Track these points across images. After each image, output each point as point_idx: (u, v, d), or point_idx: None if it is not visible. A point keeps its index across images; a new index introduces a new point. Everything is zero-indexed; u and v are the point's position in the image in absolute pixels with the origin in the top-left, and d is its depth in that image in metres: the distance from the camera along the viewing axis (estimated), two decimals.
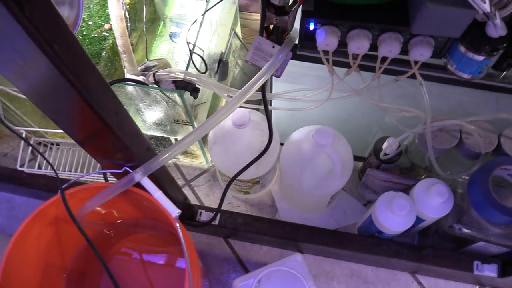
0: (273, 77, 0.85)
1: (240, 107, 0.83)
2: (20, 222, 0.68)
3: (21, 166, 1.03)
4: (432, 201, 0.75)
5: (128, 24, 0.93)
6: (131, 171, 0.60)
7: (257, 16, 1.12)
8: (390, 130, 0.91)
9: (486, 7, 0.54)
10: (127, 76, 0.88)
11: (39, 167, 1.05)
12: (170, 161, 1.06)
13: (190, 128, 0.86)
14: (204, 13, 0.77)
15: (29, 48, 0.37)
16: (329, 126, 0.81)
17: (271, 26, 0.69)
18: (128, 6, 0.93)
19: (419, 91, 0.67)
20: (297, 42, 0.68)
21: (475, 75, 0.64)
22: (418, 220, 0.80)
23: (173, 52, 1.01)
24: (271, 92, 0.86)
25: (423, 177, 0.91)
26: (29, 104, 1.01)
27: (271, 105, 0.88)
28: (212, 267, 0.97)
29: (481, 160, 0.76)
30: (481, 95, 0.71)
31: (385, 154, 0.85)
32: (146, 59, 0.98)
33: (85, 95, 0.44)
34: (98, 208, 0.77)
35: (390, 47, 0.62)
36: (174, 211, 0.60)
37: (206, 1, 0.84)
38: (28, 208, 1.06)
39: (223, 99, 1.02)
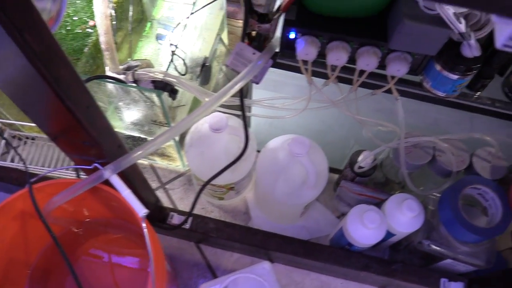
0: (253, 84, 0.86)
1: (220, 112, 0.84)
2: None
3: None
4: (402, 216, 0.76)
5: (114, 22, 0.92)
6: (101, 167, 0.59)
7: None
8: (367, 143, 0.92)
9: (462, 27, 0.56)
10: (108, 74, 0.87)
11: (12, 161, 1.03)
12: (146, 162, 1.05)
13: None
14: (189, 16, 0.77)
15: None
16: (307, 136, 0.81)
17: (253, 33, 0.70)
18: (115, 4, 0.92)
19: (396, 107, 0.68)
20: (278, 50, 0.68)
21: (450, 94, 0.65)
22: (389, 234, 0.80)
23: (158, 53, 1.00)
24: (250, 98, 0.86)
25: (396, 192, 0.92)
26: (6, 96, 0.99)
27: (250, 112, 0.88)
28: (181, 272, 0.95)
29: (452, 178, 0.77)
30: (456, 114, 0.72)
31: (360, 167, 0.85)
32: (129, 59, 0.97)
33: (55, 87, 0.43)
34: (66, 205, 0.75)
35: (368, 61, 0.63)
36: (141, 210, 0.59)
37: (193, 5, 0.85)
38: None
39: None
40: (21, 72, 0.43)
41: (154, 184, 1.03)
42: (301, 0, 0.63)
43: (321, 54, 0.65)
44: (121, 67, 0.85)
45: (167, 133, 0.58)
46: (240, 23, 1.15)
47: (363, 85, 0.69)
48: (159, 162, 1.04)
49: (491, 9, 0.24)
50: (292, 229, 0.98)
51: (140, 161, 1.05)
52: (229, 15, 1.12)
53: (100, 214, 0.83)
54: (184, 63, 0.76)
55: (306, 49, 0.63)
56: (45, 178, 0.69)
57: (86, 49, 0.86)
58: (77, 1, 0.92)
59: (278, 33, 0.68)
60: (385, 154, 0.88)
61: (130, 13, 0.92)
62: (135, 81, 0.72)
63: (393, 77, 0.66)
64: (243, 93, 0.88)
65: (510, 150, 0.73)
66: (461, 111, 0.70)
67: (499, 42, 0.27)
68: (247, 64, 0.68)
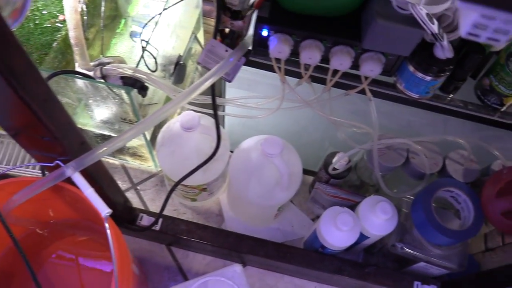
0: (227, 83, 0.84)
1: (192, 111, 0.82)
2: None
3: None
4: (376, 218, 0.75)
5: (85, 17, 0.90)
6: (62, 165, 0.57)
7: None
8: (342, 145, 0.91)
9: (435, 28, 0.55)
10: (78, 70, 0.84)
11: None
12: (117, 162, 1.02)
13: None
14: (161, 12, 0.75)
15: None
16: (282, 137, 0.80)
17: (227, 30, 0.68)
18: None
19: (369, 107, 0.67)
20: (251, 48, 0.67)
21: (423, 95, 0.64)
22: (362, 237, 0.79)
23: (132, 51, 0.98)
24: (224, 97, 0.84)
25: (371, 195, 0.91)
26: None
27: (224, 111, 0.86)
28: (152, 275, 0.93)
29: (425, 181, 0.77)
30: (429, 117, 0.72)
31: (334, 169, 0.84)
32: (101, 56, 0.95)
33: (8, 77, 0.41)
34: (29, 205, 0.72)
35: (341, 60, 0.62)
36: (104, 209, 0.57)
37: (166, 1, 0.82)
38: None
39: None
40: None
41: (125, 185, 1.00)
42: None
43: (295, 53, 0.64)
44: (92, 63, 0.82)
45: (133, 129, 0.56)
46: None
47: (337, 85, 0.69)
48: (131, 162, 1.02)
49: None
50: (266, 232, 0.96)
51: (111, 161, 1.02)
52: (205, 14, 1.10)
53: (66, 215, 0.79)
54: (155, 60, 0.74)
55: (279, 47, 0.62)
56: (6, 176, 0.66)
57: (55, 44, 0.83)
58: None
59: (252, 30, 0.67)
60: (359, 156, 0.87)
61: (102, 9, 0.89)
62: (104, 77, 0.70)
63: (366, 78, 0.65)
64: (216, 91, 0.86)
65: (483, 153, 0.73)
66: (435, 113, 0.70)
67: (464, 30, 0.26)
68: (219, 61, 0.66)
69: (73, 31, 0.80)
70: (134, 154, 0.98)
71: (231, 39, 0.67)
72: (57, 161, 0.57)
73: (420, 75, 0.61)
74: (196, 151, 0.80)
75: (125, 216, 0.82)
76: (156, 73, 0.86)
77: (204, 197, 0.94)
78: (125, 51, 0.99)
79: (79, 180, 0.57)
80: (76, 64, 0.86)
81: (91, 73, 0.72)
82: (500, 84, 0.61)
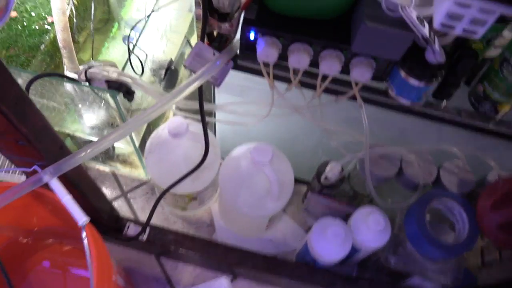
0: (216, 89, 0.83)
1: (181, 117, 0.80)
2: None
3: None
4: (368, 230, 0.73)
5: (75, 20, 0.88)
6: (39, 170, 0.55)
7: None
8: (336, 154, 0.89)
9: (426, 31, 0.53)
10: (67, 73, 0.83)
11: None
12: (107, 169, 1.00)
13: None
14: (150, 14, 0.74)
15: None
16: (274, 145, 0.78)
17: (215, 33, 0.67)
18: (76, 2, 0.89)
19: (360, 114, 0.65)
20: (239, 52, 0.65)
21: (415, 102, 0.62)
22: (354, 249, 0.77)
23: (125, 56, 0.96)
24: (214, 103, 0.82)
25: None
26: None
27: (214, 117, 0.84)
28: (140, 286, 0.90)
29: (419, 192, 0.74)
30: (423, 125, 0.70)
31: (326, 178, 0.82)
32: (91, 59, 0.93)
33: None
34: (10, 211, 0.70)
35: (330, 65, 0.60)
36: (81, 218, 0.54)
37: (155, 3, 0.81)
38: None
39: (170, 109, 0.98)
40: None
41: (115, 193, 0.98)
42: None
43: (283, 57, 0.62)
44: (81, 67, 0.81)
45: (114, 133, 0.54)
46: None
47: (328, 91, 0.67)
48: (121, 169, 1.00)
49: None
50: (258, 243, 0.93)
51: (101, 168, 1.00)
52: (198, 18, 1.09)
53: (49, 222, 0.77)
54: (141, 63, 0.72)
55: (266, 50, 0.60)
56: None
57: (42, 46, 0.82)
58: None
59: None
60: (352, 165, 0.85)
61: (92, 11, 0.88)
62: (89, 80, 0.68)
63: (357, 84, 0.63)
64: (205, 97, 0.85)
65: (478, 163, 0.71)
66: (428, 121, 0.68)
67: (437, 20, 0.24)
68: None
69: (60, 33, 0.79)
70: (125, 161, 0.96)
71: (219, 43, 0.66)
72: (35, 167, 0.55)
73: (411, 80, 0.59)
74: (185, 158, 0.78)
75: (111, 225, 0.80)
76: (145, 78, 0.85)
77: (195, 206, 0.92)
78: (118, 55, 0.98)
79: (57, 186, 0.54)
80: (65, 68, 0.85)
81: (76, 76, 0.71)
82: (494, 90, 0.59)
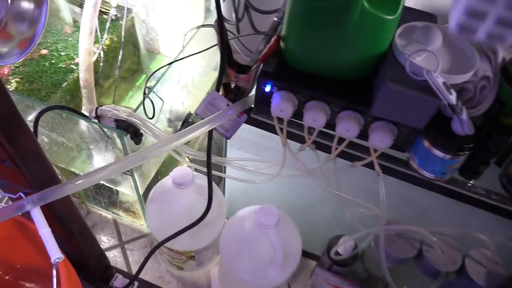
0: (228, 143, 0.79)
1: (195, 169, 0.76)
2: None
3: None
4: None
5: (101, 64, 0.90)
6: (24, 197, 0.51)
7: None
8: (350, 229, 0.82)
9: (452, 98, 0.49)
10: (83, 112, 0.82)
11: None
12: (109, 216, 0.96)
13: (131, 180, 0.78)
14: (171, 63, 0.74)
15: None
16: (285, 212, 0.73)
17: (232, 85, 0.65)
18: (106, 47, 0.91)
19: (377, 184, 0.59)
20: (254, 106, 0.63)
21: (439, 176, 0.57)
22: None
23: (147, 106, 0.96)
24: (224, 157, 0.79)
25: None
26: None
27: (224, 172, 0.81)
28: None
29: (440, 280, 0.65)
30: (448, 204, 0.63)
31: (337, 253, 0.74)
32: (112, 103, 0.94)
33: None
34: None
35: (348, 127, 0.56)
36: (55, 254, 0.49)
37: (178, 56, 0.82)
38: None
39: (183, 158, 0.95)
40: None
41: (112, 241, 0.93)
42: (282, 54, 0.58)
43: (299, 114, 0.59)
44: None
45: (105, 170, 0.51)
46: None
47: (345, 155, 0.62)
48: (124, 217, 0.95)
49: None
50: None
51: (103, 214, 0.96)
52: None
53: (33, 259, 0.72)
54: (153, 106, 0.71)
55: (280, 104, 0.57)
56: None
57: (64, 84, 0.83)
58: (69, 39, 0.91)
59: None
60: (367, 243, 0.77)
61: (119, 58, 0.89)
62: (98, 118, 0.67)
63: (376, 150, 0.58)
64: (216, 150, 0.82)
65: (510, 255, 0.62)
66: (455, 201, 0.61)
67: (453, 21, 0.19)
68: None
69: (83, 73, 0.79)
70: (127, 210, 0.92)
71: (236, 95, 0.64)
72: (20, 193, 0.52)
73: (436, 151, 0.54)
74: (187, 211, 0.74)
75: (98, 273, 0.74)
76: (160, 126, 0.83)
77: (192, 267, 0.85)
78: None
79: (37, 216, 0.51)
80: (83, 107, 0.85)
81: (86, 113, 0.69)
82: None
